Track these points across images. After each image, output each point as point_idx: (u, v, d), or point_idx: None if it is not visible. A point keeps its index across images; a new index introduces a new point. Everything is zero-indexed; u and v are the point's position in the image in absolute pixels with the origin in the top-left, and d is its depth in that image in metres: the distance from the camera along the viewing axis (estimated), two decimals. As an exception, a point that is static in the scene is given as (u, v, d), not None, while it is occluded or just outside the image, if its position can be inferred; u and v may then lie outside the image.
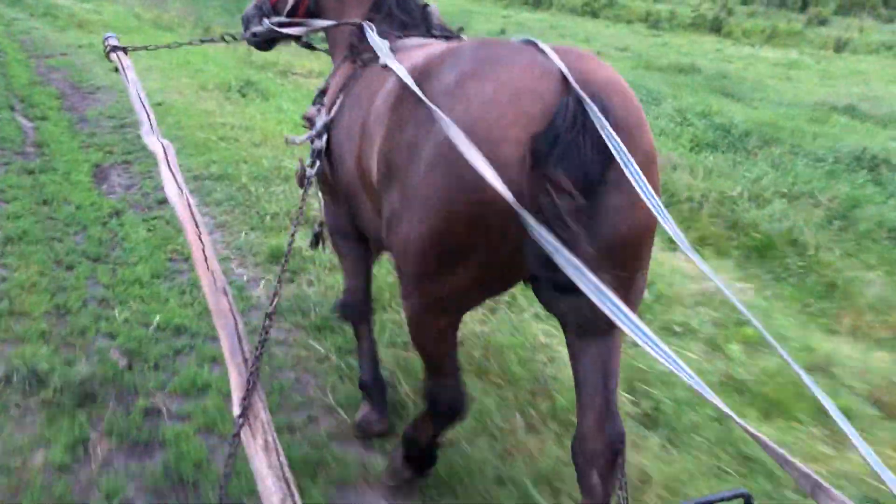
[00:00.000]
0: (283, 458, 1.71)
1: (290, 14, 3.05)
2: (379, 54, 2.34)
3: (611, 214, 1.69)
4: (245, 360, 2.00)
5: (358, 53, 2.65)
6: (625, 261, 1.77)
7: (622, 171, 1.61)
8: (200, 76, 9.70)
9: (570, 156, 1.63)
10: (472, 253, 1.80)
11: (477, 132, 1.68)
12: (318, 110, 2.78)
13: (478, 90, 1.77)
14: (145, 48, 3.74)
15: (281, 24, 3.00)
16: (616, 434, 1.97)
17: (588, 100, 1.66)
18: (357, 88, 2.51)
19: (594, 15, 25.55)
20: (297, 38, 3.15)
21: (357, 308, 3.02)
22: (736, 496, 1.18)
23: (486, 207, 1.66)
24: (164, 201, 4.84)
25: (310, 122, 2.84)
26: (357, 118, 2.36)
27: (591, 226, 1.63)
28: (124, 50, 3.46)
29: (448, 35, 2.75)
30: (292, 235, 2.38)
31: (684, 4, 26.75)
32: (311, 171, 2.56)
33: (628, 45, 18.31)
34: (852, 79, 14.86)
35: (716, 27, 23.09)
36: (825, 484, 1.14)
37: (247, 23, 3.22)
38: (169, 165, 2.52)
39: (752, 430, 1.17)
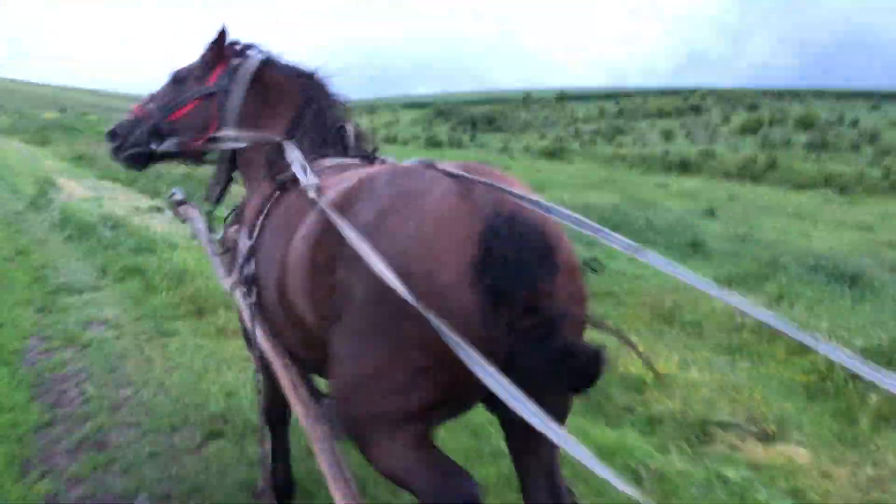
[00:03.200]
0: None
1: (201, 130, 3.07)
2: (301, 180, 2.37)
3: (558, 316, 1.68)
4: (346, 483, 2.04)
5: (276, 173, 2.63)
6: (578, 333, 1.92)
7: (553, 278, 1.71)
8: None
9: (518, 272, 1.67)
10: (430, 377, 1.77)
11: (410, 265, 1.70)
12: (238, 231, 2.74)
13: (399, 225, 1.80)
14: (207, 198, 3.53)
15: (190, 142, 3.06)
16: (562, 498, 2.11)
17: (507, 219, 1.74)
18: (276, 214, 2.49)
19: (754, 179, 25.43)
20: (196, 157, 3.21)
21: (273, 414, 3.13)
22: None
23: (433, 337, 1.60)
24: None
25: (227, 245, 2.90)
26: (277, 248, 2.32)
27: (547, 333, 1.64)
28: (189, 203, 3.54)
29: (363, 154, 2.83)
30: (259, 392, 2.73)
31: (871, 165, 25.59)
32: (249, 301, 2.51)
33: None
34: None
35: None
36: None
37: (121, 140, 3.17)
38: (255, 323, 2.53)
39: None
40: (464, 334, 1.56)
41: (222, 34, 3.07)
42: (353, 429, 1.95)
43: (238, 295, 2.61)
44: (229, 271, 2.77)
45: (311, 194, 2.20)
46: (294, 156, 2.60)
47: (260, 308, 2.51)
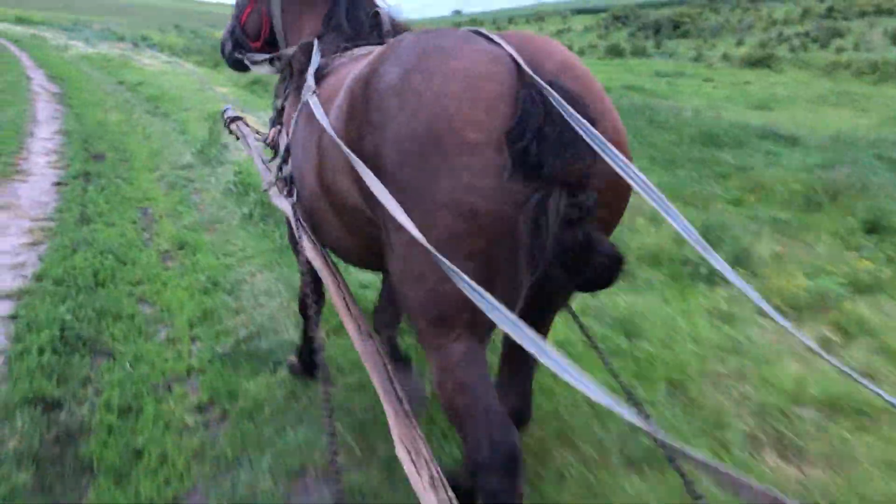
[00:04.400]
0: (450, 493, 1.70)
1: (257, 34, 3.27)
2: (303, 94, 2.42)
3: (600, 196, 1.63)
4: (399, 399, 1.98)
5: (304, 72, 2.65)
6: (607, 231, 1.83)
7: (593, 157, 1.58)
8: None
9: (558, 148, 1.56)
10: (471, 247, 1.65)
11: (435, 123, 1.63)
12: (279, 132, 2.86)
13: (426, 82, 1.69)
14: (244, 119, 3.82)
15: (254, 61, 3.23)
16: (527, 407, 2.24)
17: (547, 84, 1.62)
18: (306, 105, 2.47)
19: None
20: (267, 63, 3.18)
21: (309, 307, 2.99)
22: None
23: (470, 192, 1.58)
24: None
25: (273, 146, 2.99)
26: (313, 135, 2.28)
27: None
28: (242, 120, 3.65)
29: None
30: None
31: None
32: (291, 200, 2.55)
33: None
34: None
35: None
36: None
37: (223, 47, 3.48)
38: (301, 222, 2.52)
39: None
40: (486, 202, 1.57)
41: None
42: (414, 326, 1.90)
43: (276, 195, 2.71)
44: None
45: (309, 99, 2.27)
46: (314, 57, 2.60)
47: (301, 207, 2.53)
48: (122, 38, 37.93)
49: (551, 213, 1.54)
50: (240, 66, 3.40)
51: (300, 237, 2.45)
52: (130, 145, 9.39)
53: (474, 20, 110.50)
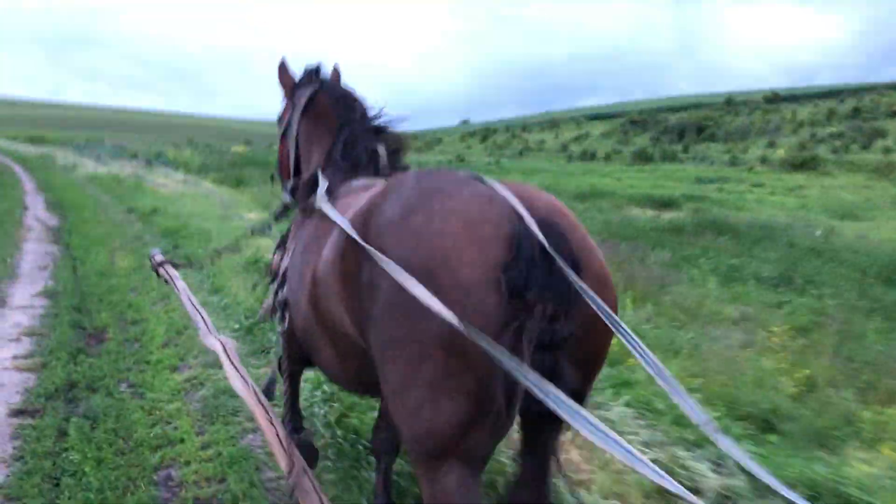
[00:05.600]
0: None
1: (287, 170, 3.30)
2: (317, 202, 2.51)
3: (577, 331, 1.70)
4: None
5: (305, 201, 2.77)
6: (588, 369, 1.87)
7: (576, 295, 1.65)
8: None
9: (544, 281, 1.64)
10: (459, 385, 1.68)
11: (432, 262, 1.68)
12: (280, 258, 2.96)
13: (426, 221, 1.77)
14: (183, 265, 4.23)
15: (285, 204, 3.29)
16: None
17: (538, 226, 1.72)
18: (305, 234, 2.59)
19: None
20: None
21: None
22: None
23: (456, 333, 1.58)
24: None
25: (272, 272, 3.05)
26: (308, 264, 2.39)
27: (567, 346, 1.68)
28: (173, 264, 3.76)
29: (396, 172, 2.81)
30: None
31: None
32: (282, 328, 2.79)
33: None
34: None
35: None
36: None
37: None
38: (231, 360, 2.68)
39: None
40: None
41: (281, 67, 3.30)
42: (411, 457, 1.93)
43: (205, 335, 3.19)
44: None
45: (323, 207, 2.39)
46: (322, 183, 2.68)
47: (292, 333, 2.77)
48: (134, 156, 36.12)
49: (528, 335, 1.60)
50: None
51: (285, 356, 2.98)
52: (143, 311, 6.54)
53: (487, 128, 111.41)
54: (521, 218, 1.72)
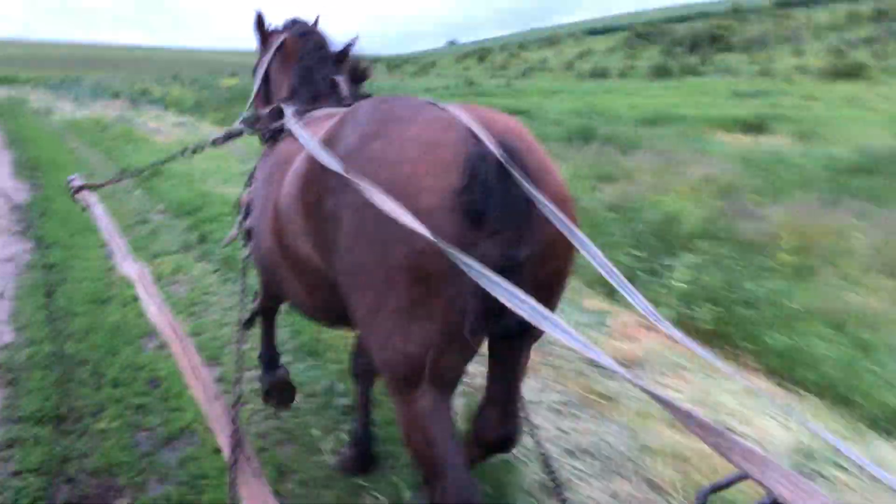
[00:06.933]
0: None
1: (262, 103, 3.29)
2: (285, 124, 2.54)
3: (536, 252, 1.70)
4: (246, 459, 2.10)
5: (271, 132, 2.75)
6: (549, 290, 1.88)
7: (539, 212, 1.64)
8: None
9: (502, 203, 1.64)
10: (433, 304, 1.71)
11: (392, 188, 1.67)
12: (249, 193, 2.94)
13: (383, 148, 1.78)
14: (110, 182, 3.89)
15: (236, 130, 3.15)
16: (512, 431, 2.10)
17: (495, 147, 1.68)
18: (269, 163, 2.56)
19: None
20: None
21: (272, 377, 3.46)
22: (740, 478, 1.33)
23: (424, 254, 1.63)
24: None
25: (241, 207, 3.01)
26: (270, 194, 2.38)
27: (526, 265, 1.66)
28: (90, 187, 3.51)
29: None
30: (241, 331, 2.73)
31: None
32: (244, 253, 2.79)
33: None
34: None
35: None
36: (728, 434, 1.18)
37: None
38: (145, 289, 2.54)
39: (652, 390, 1.23)
40: (441, 264, 1.59)
41: (258, 20, 3.34)
42: (385, 382, 1.94)
43: (122, 260, 3.03)
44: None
45: (293, 129, 2.32)
46: (287, 111, 2.67)
47: (258, 262, 2.75)
48: (116, 95, 32.57)
49: (488, 259, 1.56)
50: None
51: (242, 278, 2.80)
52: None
53: (482, 48, 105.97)
54: (478, 141, 1.69)
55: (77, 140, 16.18)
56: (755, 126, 15.83)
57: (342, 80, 2.94)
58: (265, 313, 3.34)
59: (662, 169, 9.29)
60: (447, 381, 1.84)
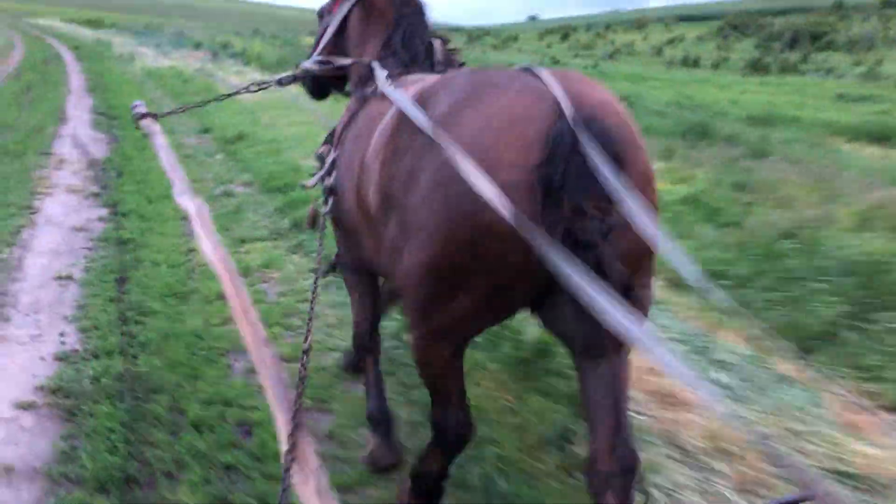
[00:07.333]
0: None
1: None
2: (379, 85, 2.47)
3: (617, 233, 1.65)
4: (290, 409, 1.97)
5: (362, 89, 2.72)
6: (636, 266, 1.78)
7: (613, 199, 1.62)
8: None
9: (581, 179, 1.62)
10: (474, 279, 1.77)
11: (473, 158, 1.67)
12: (329, 149, 2.87)
13: (472, 117, 1.78)
14: (175, 112, 3.80)
15: (307, 69, 3.10)
16: (629, 454, 1.89)
17: (581, 123, 1.65)
18: (358, 123, 2.56)
19: None
20: (341, 88, 3.21)
21: (363, 340, 3.10)
22: (805, 498, 1.30)
23: (486, 231, 1.66)
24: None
25: (321, 160, 2.93)
26: (357, 152, 2.39)
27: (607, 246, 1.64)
28: (154, 116, 3.45)
29: (451, 69, 2.75)
30: (315, 283, 2.43)
31: None
32: (324, 209, 2.68)
33: None
34: None
35: None
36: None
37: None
38: (201, 224, 2.62)
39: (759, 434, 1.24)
40: (510, 239, 1.60)
41: None
42: (408, 326, 2.08)
43: (180, 193, 2.85)
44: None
45: (386, 91, 2.31)
46: (379, 73, 2.61)
47: (337, 220, 2.78)
48: (198, 46, 32.09)
49: (565, 235, 1.58)
50: (312, 92, 3.36)
51: (321, 238, 2.62)
52: None
53: (567, 25, 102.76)
54: (562, 115, 1.66)
55: (156, 89, 15.54)
56: (880, 136, 14.16)
57: (438, 47, 2.91)
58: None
59: (810, 185, 8.04)
60: (471, 337, 2.07)
